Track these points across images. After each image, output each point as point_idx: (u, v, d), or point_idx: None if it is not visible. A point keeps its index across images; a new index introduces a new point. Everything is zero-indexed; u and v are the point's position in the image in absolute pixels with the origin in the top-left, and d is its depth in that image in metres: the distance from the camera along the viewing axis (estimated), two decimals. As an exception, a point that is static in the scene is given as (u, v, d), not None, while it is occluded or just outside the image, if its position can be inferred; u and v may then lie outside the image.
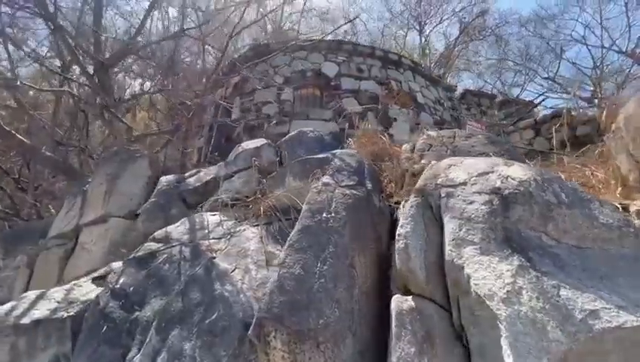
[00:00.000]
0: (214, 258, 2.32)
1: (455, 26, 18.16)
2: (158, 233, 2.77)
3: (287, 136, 3.78)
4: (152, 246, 2.63)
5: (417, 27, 17.59)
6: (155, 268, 2.30)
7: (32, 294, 3.59)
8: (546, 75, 17.52)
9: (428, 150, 3.24)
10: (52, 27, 5.51)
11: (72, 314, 2.95)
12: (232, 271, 2.16)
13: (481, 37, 18.85)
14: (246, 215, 2.93)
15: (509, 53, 17.54)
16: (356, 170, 2.71)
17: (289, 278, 1.76)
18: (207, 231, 2.68)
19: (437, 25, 17.99)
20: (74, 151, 8.41)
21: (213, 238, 2.58)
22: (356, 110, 6.27)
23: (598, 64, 16.45)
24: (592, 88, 16.37)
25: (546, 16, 17.12)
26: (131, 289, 2.20)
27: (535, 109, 14.37)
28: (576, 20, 16.53)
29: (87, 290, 3.31)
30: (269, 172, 3.43)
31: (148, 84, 9.63)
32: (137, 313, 2.03)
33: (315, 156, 2.98)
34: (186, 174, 4.04)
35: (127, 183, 5.35)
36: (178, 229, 2.78)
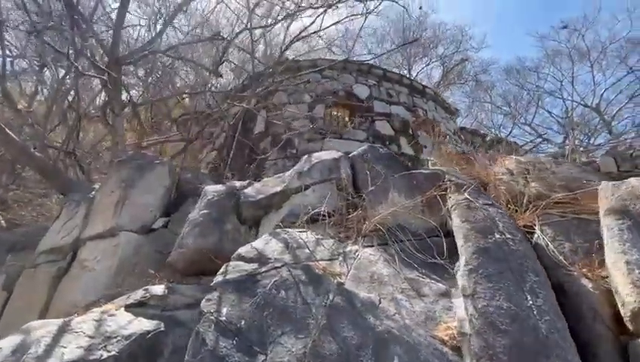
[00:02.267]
0: (342, 284, 1.84)
1: (438, 70, 19.40)
2: (246, 251, 2.23)
3: (358, 151, 3.44)
4: (243, 266, 2.09)
5: (407, 67, 18.47)
6: (265, 295, 1.77)
7: (40, 324, 2.80)
8: (524, 121, 18.94)
9: (527, 174, 3.04)
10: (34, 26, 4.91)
11: (114, 353, 2.29)
12: (379, 301, 1.70)
13: (462, 81, 20.27)
14: (343, 233, 2.49)
15: (496, 97, 18.86)
16: (477, 189, 2.41)
17: (497, 314, 1.36)
18: (307, 250, 2.19)
19: (425, 66, 19.07)
20: (59, 155, 7.41)
21: (322, 259, 2.10)
22: (389, 133, 6.13)
23: (568, 115, 18.13)
24: (564, 136, 17.91)
25: (523, 68, 18.86)
26: (243, 323, 1.65)
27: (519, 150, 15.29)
28: (550, 74, 18.30)
29: (124, 321, 2.62)
30: (354, 187, 3.05)
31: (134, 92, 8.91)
32: (262, 357, 1.48)
33: (420, 171, 2.65)
34: (237, 184, 3.51)
35: (143, 193, 4.66)
36: (269, 247, 2.26)
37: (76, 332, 2.42)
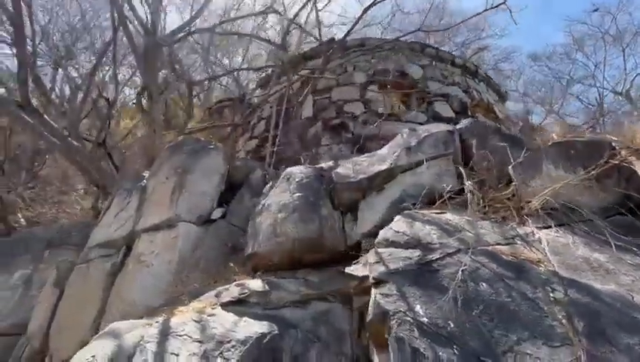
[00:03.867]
0: (556, 272, 1.41)
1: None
2: (393, 235, 1.81)
3: (464, 124, 3.00)
4: (401, 253, 1.68)
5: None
6: (462, 290, 1.35)
7: (127, 326, 2.41)
8: (550, 108, 18.25)
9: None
10: None
11: (235, 358, 1.91)
12: (631, 297, 1.28)
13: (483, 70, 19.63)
14: (493, 213, 2.05)
15: (523, 85, 18.14)
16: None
17: None
18: (469, 233, 1.77)
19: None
20: (89, 145, 7.03)
21: (498, 243, 1.67)
22: (449, 115, 5.67)
23: (599, 102, 17.42)
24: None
25: (551, 54, 18.12)
26: (452, 325, 1.23)
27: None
28: (579, 61, 17.56)
29: (228, 322, 2.24)
30: (466, 162, 2.61)
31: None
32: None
33: (576, 139, 2.20)
34: (323, 165, 3.09)
35: (199, 180, 4.26)
36: (418, 230, 1.83)
37: (180, 336, 2.02)
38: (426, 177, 2.60)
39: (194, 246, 4.00)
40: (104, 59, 6.38)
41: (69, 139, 5.37)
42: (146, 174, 4.36)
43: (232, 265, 3.00)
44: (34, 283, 4.78)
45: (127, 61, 8.25)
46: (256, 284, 2.49)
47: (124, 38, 5.32)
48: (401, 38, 6.13)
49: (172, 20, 17.22)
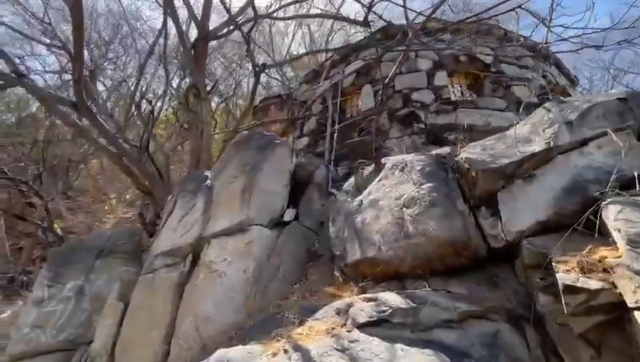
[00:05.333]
0: None
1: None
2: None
3: (627, 92, 2.39)
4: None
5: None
6: None
7: (238, 354, 1.93)
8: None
9: None
10: None
11: None
12: None
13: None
14: None
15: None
16: None
17: None
18: None
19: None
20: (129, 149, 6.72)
21: None
22: (532, 101, 5.04)
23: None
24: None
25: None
26: None
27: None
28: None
29: (383, 351, 1.74)
30: None
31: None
32: None
33: None
34: (440, 151, 2.55)
35: (269, 178, 3.83)
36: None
37: (331, 371, 1.51)
38: (600, 157, 2.03)
39: (269, 252, 3.54)
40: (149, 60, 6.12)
41: (120, 141, 5.08)
42: (209, 174, 3.95)
43: (336, 274, 2.49)
44: (85, 295, 4.45)
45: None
46: (394, 299, 1.97)
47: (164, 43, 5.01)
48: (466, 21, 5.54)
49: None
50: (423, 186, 2.20)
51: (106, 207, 11.95)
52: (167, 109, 8.18)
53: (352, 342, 1.72)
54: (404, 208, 2.20)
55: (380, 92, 3.78)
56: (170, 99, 7.24)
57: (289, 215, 3.78)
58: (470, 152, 2.45)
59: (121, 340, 3.38)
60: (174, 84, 8.18)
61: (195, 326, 3.14)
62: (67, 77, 8.66)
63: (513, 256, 2.12)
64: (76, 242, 5.83)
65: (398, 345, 1.68)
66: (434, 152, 2.64)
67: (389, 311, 1.85)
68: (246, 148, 3.84)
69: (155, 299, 3.41)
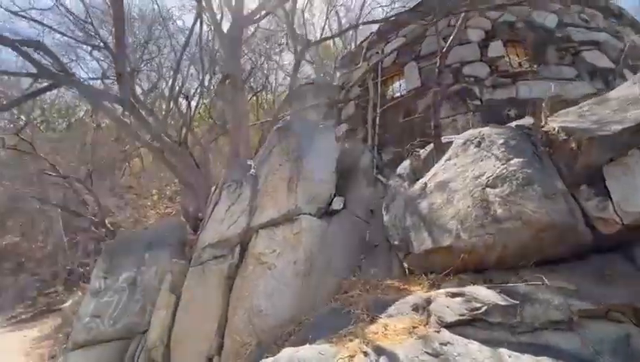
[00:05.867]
0: None
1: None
2: None
3: None
4: None
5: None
6: None
7: (310, 354, 1.69)
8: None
9: None
10: None
11: None
12: None
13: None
14: None
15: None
16: None
17: None
18: None
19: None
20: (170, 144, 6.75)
21: None
22: (608, 66, 4.39)
23: None
24: None
25: None
26: None
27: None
28: None
29: (485, 355, 1.38)
30: None
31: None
32: None
33: None
34: (521, 123, 2.17)
35: (315, 165, 3.62)
36: None
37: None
38: None
39: (319, 242, 3.35)
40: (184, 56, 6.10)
41: (162, 136, 5.11)
42: (251, 163, 3.81)
43: (405, 265, 2.22)
44: (137, 286, 4.57)
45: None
46: (486, 294, 1.67)
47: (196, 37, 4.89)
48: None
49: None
50: (511, 162, 1.87)
51: (149, 203, 12.51)
52: (200, 106, 8.24)
53: (443, 344, 1.46)
54: (488, 188, 1.87)
55: (437, 64, 3.39)
56: (202, 95, 7.26)
57: (338, 203, 3.56)
58: (565, 120, 2.06)
59: (175, 332, 3.38)
60: (206, 82, 8.21)
61: (248, 320, 3.03)
62: (108, 81, 9.01)
63: (627, 243, 1.74)
64: (127, 236, 6.05)
65: (504, 350, 1.40)
66: (513, 124, 2.27)
67: (484, 308, 1.57)
68: (289, 135, 3.65)
69: (206, 291, 3.36)
